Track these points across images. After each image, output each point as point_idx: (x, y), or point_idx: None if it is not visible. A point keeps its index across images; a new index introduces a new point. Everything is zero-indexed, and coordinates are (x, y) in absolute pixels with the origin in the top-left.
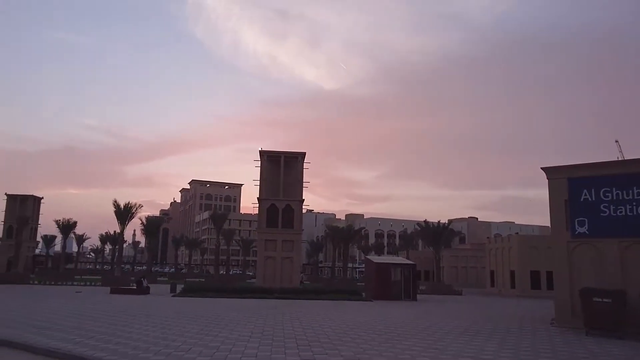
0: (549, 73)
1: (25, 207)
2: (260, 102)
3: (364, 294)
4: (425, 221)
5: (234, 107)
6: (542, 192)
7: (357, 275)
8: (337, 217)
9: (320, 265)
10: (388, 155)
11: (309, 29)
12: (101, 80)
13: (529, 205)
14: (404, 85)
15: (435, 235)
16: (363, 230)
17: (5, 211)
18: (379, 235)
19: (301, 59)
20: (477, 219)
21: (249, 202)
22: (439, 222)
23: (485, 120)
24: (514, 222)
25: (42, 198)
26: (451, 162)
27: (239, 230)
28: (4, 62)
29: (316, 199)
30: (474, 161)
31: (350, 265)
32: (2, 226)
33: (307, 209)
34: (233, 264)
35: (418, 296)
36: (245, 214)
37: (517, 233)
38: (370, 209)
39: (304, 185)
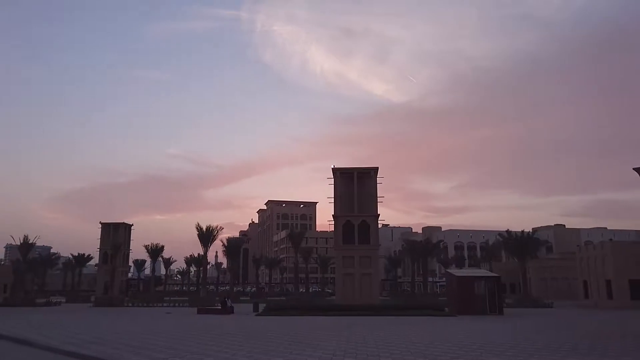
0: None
1: (117, 234)
2: (331, 121)
3: (447, 309)
4: (507, 231)
5: (306, 127)
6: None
7: (438, 290)
8: (413, 231)
9: (399, 280)
10: (464, 165)
11: (375, 44)
12: (180, 112)
13: (623, 209)
14: (477, 93)
15: (520, 245)
16: (441, 243)
17: (100, 239)
18: (458, 248)
19: (369, 75)
20: (564, 226)
21: (324, 219)
22: (522, 231)
23: (569, 122)
24: (606, 228)
25: (132, 225)
26: (533, 168)
27: (316, 248)
28: (95, 102)
29: (391, 213)
30: (558, 165)
31: (430, 279)
32: (98, 252)
33: (383, 224)
34: (312, 281)
35: (504, 310)
36: (321, 232)
37: (611, 239)
38: (448, 221)
39: (378, 200)
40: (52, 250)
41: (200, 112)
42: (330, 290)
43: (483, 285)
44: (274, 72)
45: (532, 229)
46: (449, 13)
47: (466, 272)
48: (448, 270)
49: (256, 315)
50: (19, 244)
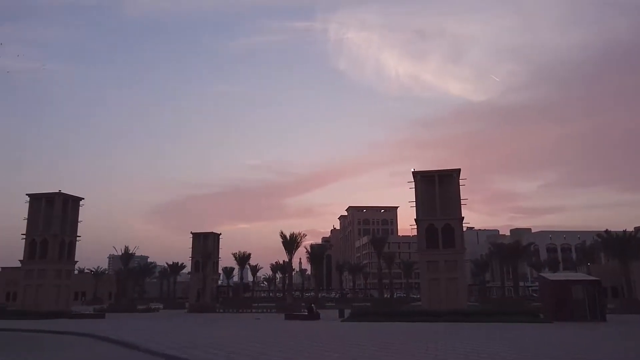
0: None
1: (207, 243)
2: (408, 124)
3: (541, 315)
4: (606, 231)
5: (383, 131)
6: None
7: (530, 295)
8: (500, 233)
9: (487, 285)
10: (553, 162)
11: (450, 43)
12: (259, 124)
13: None
14: (564, 85)
15: (621, 245)
16: (532, 246)
17: (191, 248)
18: (551, 250)
19: (445, 75)
20: None
21: (406, 224)
22: (624, 231)
23: None
24: None
25: (220, 234)
26: (631, 162)
27: (399, 253)
28: (180, 118)
29: (475, 215)
30: None
31: (521, 283)
32: (190, 261)
33: (467, 227)
34: (396, 286)
35: (607, 316)
36: (403, 236)
37: None
38: (537, 222)
39: (462, 203)
40: (149, 260)
41: (278, 122)
42: (415, 296)
43: (581, 290)
44: (348, 79)
45: (634, 227)
46: (527, 4)
47: (562, 275)
48: (541, 274)
49: (342, 321)
50: (120, 254)
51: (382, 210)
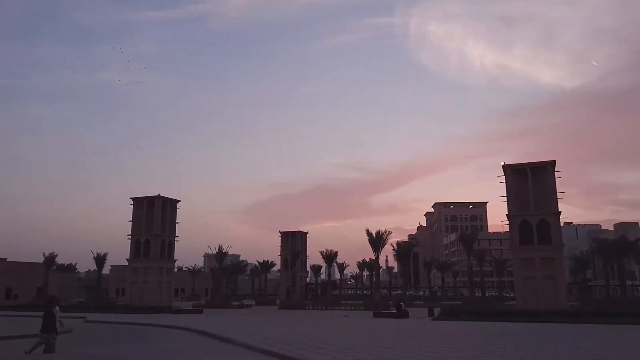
0: None
1: (295, 241)
2: (496, 115)
3: None
4: None
5: (469, 125)
6: None
7: (638, 294)
8: (602, 228)
9: (589, 284)
10: None
11: (539, 28)
12: (343, 123)
13: None
14: None
15: None
16: None
17: (280, 246)
18: None
19: (535, 62)
20: None
21: (496, 219)
22: None
23: None
24: None
25: (307, 233)
26: None
27: (490, 250)
28: (264, 120)
29: (573, 209)
30: None
31: (628, 282)
32: (279, 259)
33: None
34: (488, 285)
35: None
36: (494, 233)
37: None
38: None
39: (558, 197)
40: (240, 258)
41: (361, 120)
42: (508, 295)
43: None
44: (431, 73)
45: None
46: None
47: None
48: None
49: (432, 319)
50: (214, 253)
51: (471, 206)
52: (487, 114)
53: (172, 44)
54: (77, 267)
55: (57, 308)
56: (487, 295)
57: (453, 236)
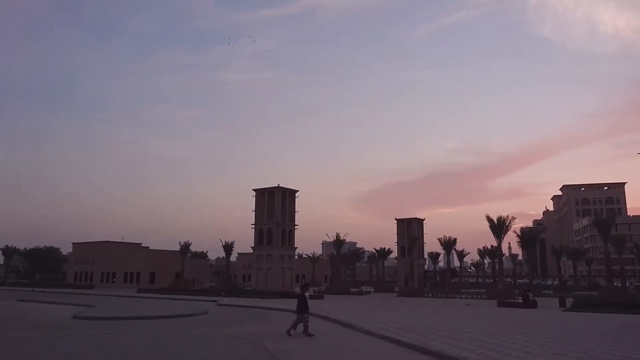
0: None
1: (411, 228)
2: (631, 87)
3: None
4: None
5: (601, 98)
6: None
7: None
8: None
9: None
10: None
11: None
12: (454, 106)
13: None
14: None
15: None
16: None
17: (397, 234)
18: None
19: None
20: None
21: (637, 202)
22: None
23: None
24: None
25: (424, 219)
26: None
27: (630, 236)
28: (373, 106)
29: None
30: None
31: None
32: (396, 246)
33: None
34: (629, 274)
35: None
36: (635, 216)
37: None
38: None
39: None
40: (357, 246)
41: (476, 102)
42: None
43: None
44: (555, 44)
45: None
46: None
47: None
48: None
49: (564, 310)
50: (332, 241)
51: (605, 188)
52: (620, 86)
53: (285, 40)
54: (208, 254)
55: (307, 293)
56: (629, 285)
57: (585, 220)
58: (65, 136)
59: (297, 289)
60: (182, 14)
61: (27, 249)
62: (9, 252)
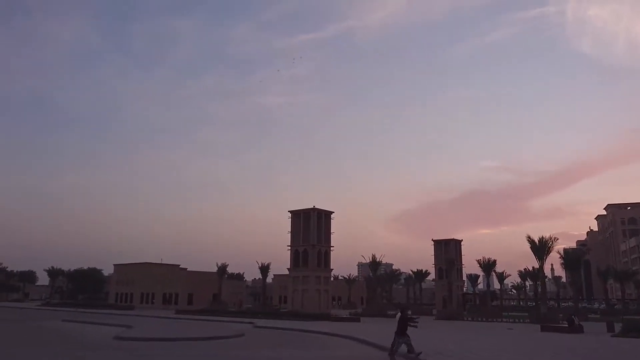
0: None
1: (448, 250)
2: None
3: None
4: None
5: None
6: None
7: None
8: None
9: None
10: None
11: None
12: (492, 123)
13: None
14: None
15: None
16: None
17: (434, 255)
18: None
19: None
20: None
21: None
22: None
23: None
24: None
25: (462, 240)
26: None
27: None
28: (400, 125)
29: None
30: None
31: None
32: (433, 268)
33: None
34: None
35: None
36: None
37: None
38: None
39: None
40: (393, 267)
41: (515, 119)
42: None
43: None
44: (593, 60)
45: None
46: None
47: None
48: None
49: (612, 336)
50: (368, 262)
51: None
52: None
53: (323, 63)
54: (244, 275)
55: (408, 313)
56: None
57: (633, 241)
58: (112, 161)
59: (397, 313)
60: (221, 42)
61: (71, 270)
62: (54, 273)
